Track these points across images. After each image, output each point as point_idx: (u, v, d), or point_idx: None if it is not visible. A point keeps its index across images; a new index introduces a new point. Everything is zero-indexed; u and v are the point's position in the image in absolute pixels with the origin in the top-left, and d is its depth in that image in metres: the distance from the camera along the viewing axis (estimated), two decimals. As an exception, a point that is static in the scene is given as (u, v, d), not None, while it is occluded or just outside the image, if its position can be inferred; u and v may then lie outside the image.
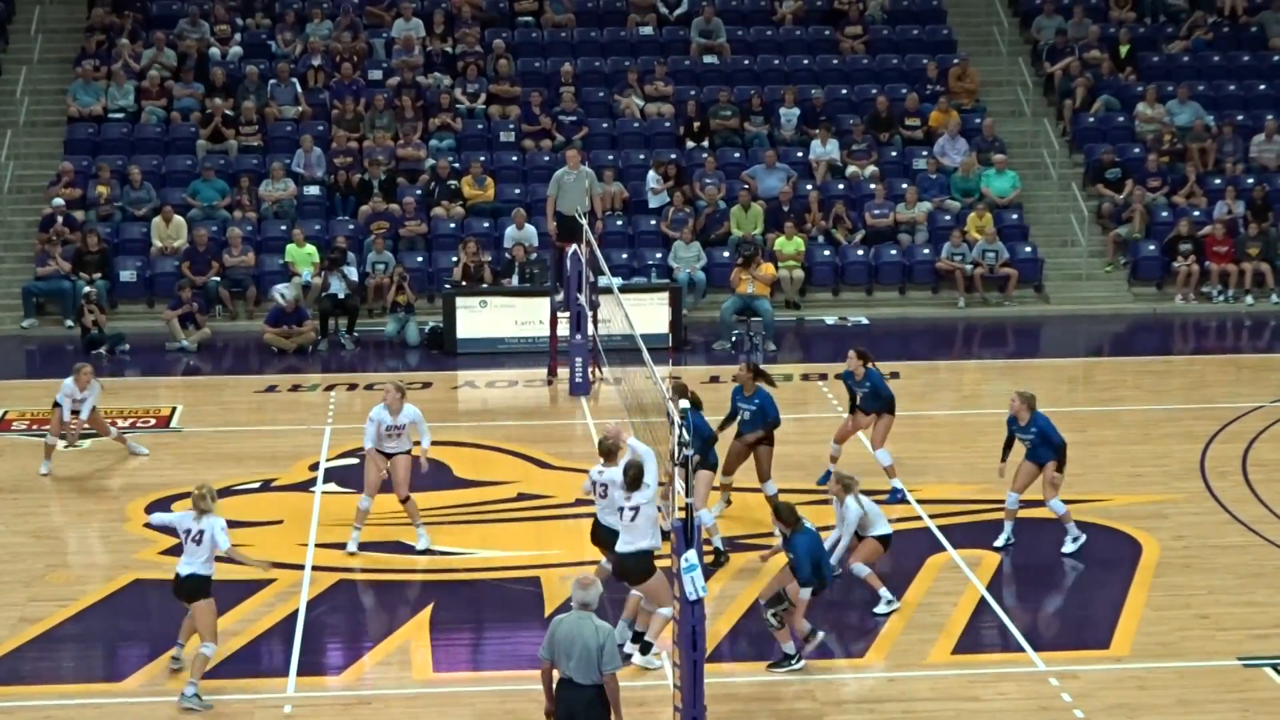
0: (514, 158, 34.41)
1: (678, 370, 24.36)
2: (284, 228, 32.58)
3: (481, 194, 33.34)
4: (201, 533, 15.76)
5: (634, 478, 15.79)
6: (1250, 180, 34.41)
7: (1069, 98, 36.28)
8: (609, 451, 16.79)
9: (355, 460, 22.10)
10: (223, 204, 33.02)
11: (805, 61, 37.05)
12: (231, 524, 19.52)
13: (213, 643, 15.73)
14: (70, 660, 16.81)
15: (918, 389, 26.91)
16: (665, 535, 15.35)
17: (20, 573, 18.94)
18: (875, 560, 17.74)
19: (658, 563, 15.85)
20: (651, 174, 33.53)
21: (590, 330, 25.95)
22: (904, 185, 34.00)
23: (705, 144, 34.79)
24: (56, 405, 22.50)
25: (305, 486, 21.86)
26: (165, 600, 18.21)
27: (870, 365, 21.12)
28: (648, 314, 28.40)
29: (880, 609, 17.59)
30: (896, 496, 20.95)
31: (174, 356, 29.40)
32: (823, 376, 27.09)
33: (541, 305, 27.87)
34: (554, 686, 13.19)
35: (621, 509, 15.95)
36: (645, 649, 16.20)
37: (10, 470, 22.66)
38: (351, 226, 32.45)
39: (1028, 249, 33.15)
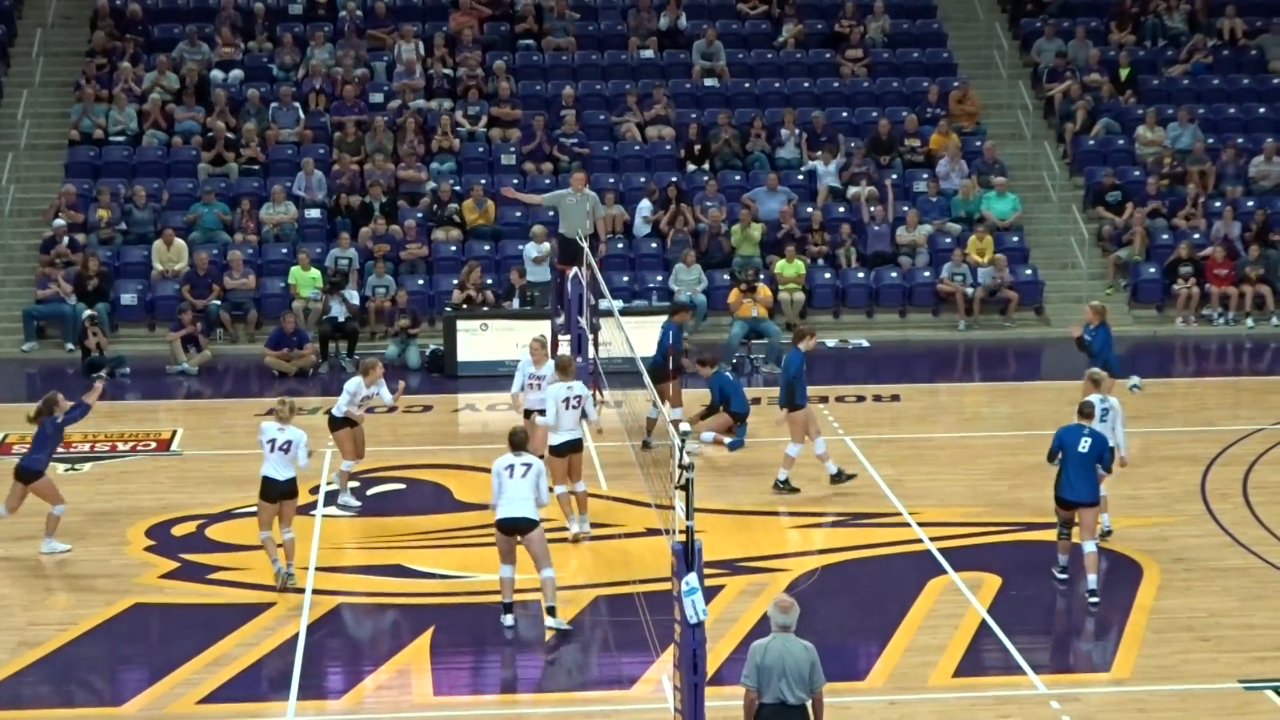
0: (515, 180, 34.42)
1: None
2: (284, 251, 32.61)
3: (482, 217, 33.37)
4: (289, 442, 18.65)
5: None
6: (1250, 203, 34.48)
7: (1069, 120, 36.33)
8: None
9: (355, 484, 22.07)
10: (225, 219, 33.01)
11: (806, 84, 37.10)
12: (232, 547, 19.66)
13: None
14: (70, 684, 16.77)
15: (918, 411, 26.91)
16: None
17: (20, 596, 18.91)
18: None
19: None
20: (645, 203, 33.55)
21: (591, 353, 25.92)
22: (905, 208, 34.04)
23: (706, 167, 34.84)
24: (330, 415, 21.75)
25: (305, 510, 21.79)
26: (166, 624, 18.24)
27: None
28: (649, 337, 28.34)
29: None
30: None
31: (175, 379, 29.42)
32: (824, 399, 27.06)
33: (542, 328, 27.82)
34: (757, 713, 13.12)
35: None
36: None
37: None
38: (353, 250, 32.44)
39: (1028, 271, 33.18)
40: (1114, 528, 20.45)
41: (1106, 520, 20.00)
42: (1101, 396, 19.74)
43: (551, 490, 19.17)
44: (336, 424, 21.55)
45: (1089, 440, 18.48)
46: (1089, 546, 18.50)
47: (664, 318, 29.23)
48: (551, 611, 17.60)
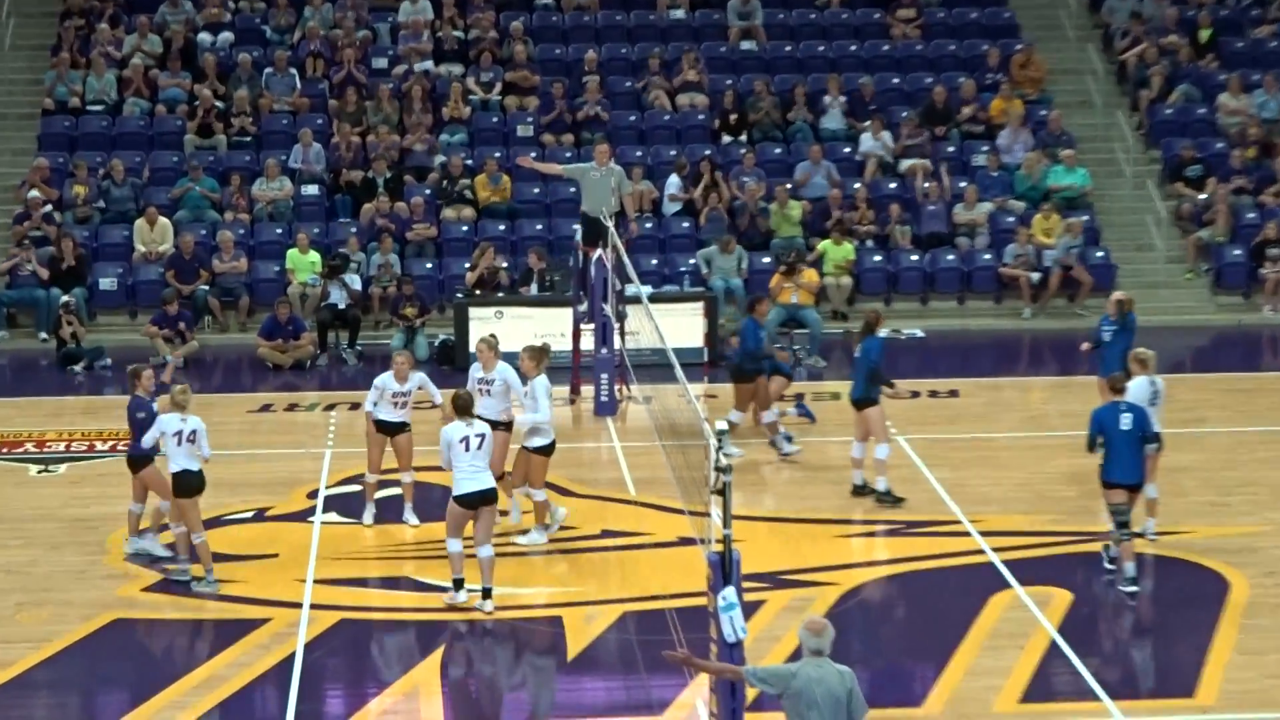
0: (533, 154, 34.36)
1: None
2: (279, 231, 32.61)
3: (497, 194, 33.32)
4: (194, 432, 19.07)
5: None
6: (1346, 178, 34.38)
7: (1144, 87, 36.22)
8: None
9: (358, 487, 22.02)
10: (214, 197, 33.02)
11: (853, 48, 37.04)
12: (222, 557, 19.63)
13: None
14: (43, 709, 16.74)
15: (979, 409, 26.85)
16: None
17: (-12, 611, 18.92)
18: None
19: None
20: (674, 178, 33.47)
21: (617, 344, 25.87)
22: (962, 184, 33.95)
23: (743, 138, 34.76)
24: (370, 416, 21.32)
25: (303, 516, 21.84)
26: (150, 641, 18.21)
27: None
28: (680, 326, 28.34)
29: None
30: None
31: (158, 372, 29.36)
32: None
33: (563, 316, 27.77)
34: None
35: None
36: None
37: (-21, 498, 22.68)
38: (354, 230, 32.35)
39: (1100, 254, 33.06)
40: (1199, 534, 20.38)
41: (1151, 525, 20.02)
42: (1150, 378, 19.94)
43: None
44: (387, 429, 21.32)
45: (1129, 415, 18.75)
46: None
47: (697, 304, 29.35)
48: (488, 594, 18.35)
